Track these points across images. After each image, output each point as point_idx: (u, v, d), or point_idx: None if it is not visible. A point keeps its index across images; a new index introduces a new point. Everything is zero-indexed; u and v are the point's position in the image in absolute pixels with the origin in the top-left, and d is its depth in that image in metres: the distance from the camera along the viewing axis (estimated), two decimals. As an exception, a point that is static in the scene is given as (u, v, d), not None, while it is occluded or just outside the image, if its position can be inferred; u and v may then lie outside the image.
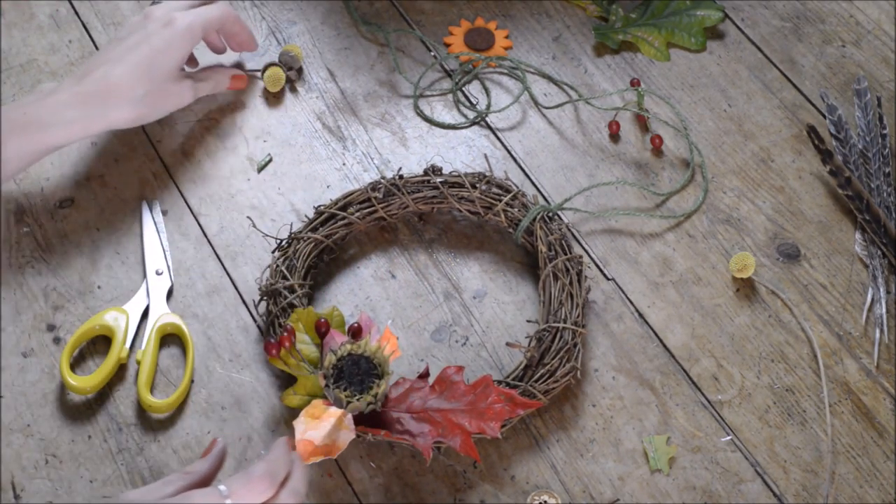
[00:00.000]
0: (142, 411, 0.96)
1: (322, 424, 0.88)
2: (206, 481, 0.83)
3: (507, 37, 1.20)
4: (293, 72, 1.15)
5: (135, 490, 0.80)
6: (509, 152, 1.12)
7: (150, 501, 0.77)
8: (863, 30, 1.20)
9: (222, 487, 0.79)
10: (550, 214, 1.04)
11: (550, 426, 0.96)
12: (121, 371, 0.98)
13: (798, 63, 1.18)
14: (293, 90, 1.15)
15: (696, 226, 1.07)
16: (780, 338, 1.01)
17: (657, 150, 1.12)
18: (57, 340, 1.00)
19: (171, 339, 1.00)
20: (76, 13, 1.21)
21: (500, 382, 0.94)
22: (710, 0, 1.21)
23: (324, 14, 1.22)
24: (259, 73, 1.15)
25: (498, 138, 1.13)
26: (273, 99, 1.15)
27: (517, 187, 1.05)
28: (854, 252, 1.06)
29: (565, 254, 1.01)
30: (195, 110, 1.14)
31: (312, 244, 1.02)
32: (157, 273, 1.03)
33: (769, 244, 1.06)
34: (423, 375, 0.93)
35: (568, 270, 1.00)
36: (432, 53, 1.19)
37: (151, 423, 0.95)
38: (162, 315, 1.00)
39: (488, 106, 1.15)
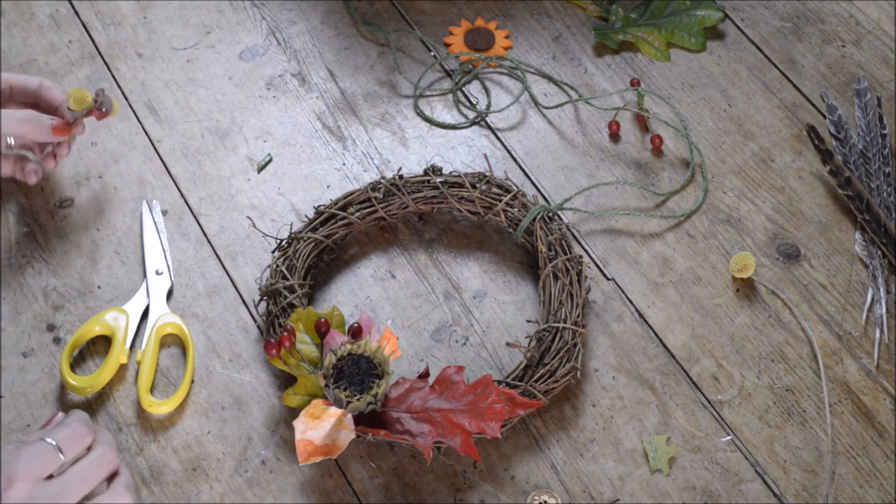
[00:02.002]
0: (142, 411, 0.96)
1: (322, 424, 0.88)
2: None
3: (507, 37, 1.20)
4: (100, 102, 1.02)
5: None
6: (509, 152, 1.12)
7: None
8: (863, 30, 1.20)
9: (48, 438, 0.82)
10: (550, 214, 1.04)
11: (550, 426, 0.96)
12: (121, 371, 0.98)
13: (798, 63, 1.18)
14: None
15: (696, 226, 1.07)
16: (780, 338, 1.01)
17: (657, 150, 1.12)
18: (57, 340, 1.00)
19: (171, 339, 1.00)
20: (76, 13, 1.21)
21: (500, 382, 0.94)
22: (710, 0, 1.21)
23: (324, 14, 1.22)
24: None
25: (498, 138, 1.13)
26: (272, 99, 1.15)
27: (517, 187, 1.05)
28: (854, 252, 1.06)
29: (565, 254, 1.01)
30: (195, 110, 1.14)
31: (312, 244, 1.02)
32: (157, 273, 1.03)
33: (769, 244, 1.06)
34: (423, 375, 0.93)
35: (568, 270, 1.00)
36: (432, 53, 1.19)
37: (151, 423, 0.95)
38: (162, 315, 1.00)
39: (488, 106, 1.15)
